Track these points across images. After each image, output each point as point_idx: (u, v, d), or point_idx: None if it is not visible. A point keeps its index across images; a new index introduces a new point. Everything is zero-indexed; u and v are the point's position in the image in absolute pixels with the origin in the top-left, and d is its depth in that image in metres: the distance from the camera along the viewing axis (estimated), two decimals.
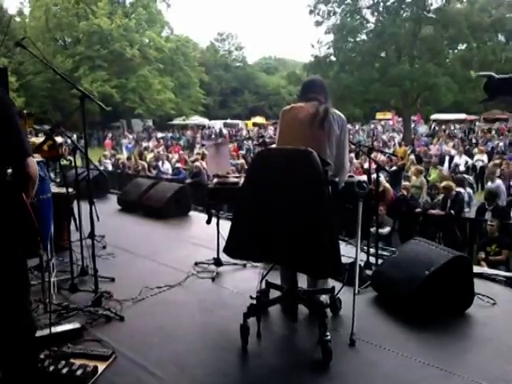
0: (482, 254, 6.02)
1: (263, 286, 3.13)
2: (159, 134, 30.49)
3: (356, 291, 2.81)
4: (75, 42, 31.31)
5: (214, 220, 4.05)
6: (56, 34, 31.17)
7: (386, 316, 3.17)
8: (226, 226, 3.49)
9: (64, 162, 4.24)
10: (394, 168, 9.74)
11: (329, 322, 2.69)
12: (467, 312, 3.16)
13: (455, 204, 7.05)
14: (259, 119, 38.80)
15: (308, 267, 2.48)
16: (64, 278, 3.65)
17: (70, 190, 3.87)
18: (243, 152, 16.47)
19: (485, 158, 13.50)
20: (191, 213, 6.50)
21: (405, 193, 7.75)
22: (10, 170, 1.86)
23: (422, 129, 28.40)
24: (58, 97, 27.82)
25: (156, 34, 32.85)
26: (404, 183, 8.53)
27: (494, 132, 22.46)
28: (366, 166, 10.34)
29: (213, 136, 28.90)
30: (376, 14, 25.23)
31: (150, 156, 14.67)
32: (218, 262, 4.09)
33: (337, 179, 2.74)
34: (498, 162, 10.94)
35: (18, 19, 30.50)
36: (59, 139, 3.59)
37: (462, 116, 31.68)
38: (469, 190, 8.26)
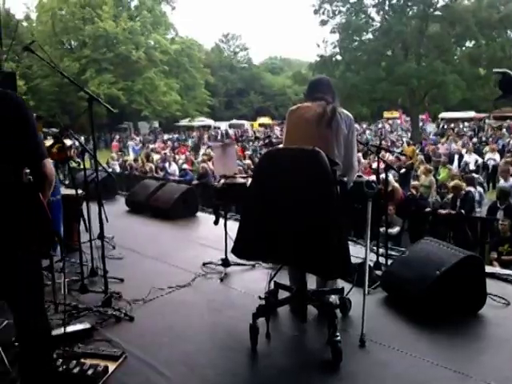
0: (494, 254, 5.94)
1: (272, 286, 3.12)
2: (165, 136, 30.65)
3: (366, 291, 2.79)
4: (81, 45, 31.55)
5: (221, 221, 4.06)
6: (62, 37, 31.40)
7: (396, 316, 3.14)
8: (233, 226, 3.50)
9: (73, 165, 4.28)
10: (403, 170, 9.70)
11: (338, 323, 2.68)
12: (480, 313, 3.12)
13: (465, 203, 6.99)
14: (265, 120, 38.82)
15: (317, 267, 2.47)
16: (74, 279, 3.68)
17: (80, 191, 3.90)
18: (249, 152, 16.46)
19: (497, 156, 13.29)
20: (198, 214, 6.51)
21: (414, 192, 7.70)
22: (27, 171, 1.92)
23: (431, 127, 28.26)
24: (66, 100, 28.02)
25: (161, 37, 33.00)
26: (413, 182, 8.47)
27: (504, 130, 22.20)
28: (374, 165, 10.33)
29: (219, 137, 28.95)
30: (381, 12, 25.13)
31: (156, 157, 14.73)
32: (225, 263, 4.09)
33: (345, 179, 2.72)
34: (510, 159, 10.80)
35: (25, 24, 30.76)
36: (68, 142, 3.62)
37: (471, 114, 31.41)
38: (479, 188, 8.19)
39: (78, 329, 2.78)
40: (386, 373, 2.47)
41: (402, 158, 11.45)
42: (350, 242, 3.23)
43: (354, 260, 2.84)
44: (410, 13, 24.65)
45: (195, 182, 9.88)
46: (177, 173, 11.86)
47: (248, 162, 11.58)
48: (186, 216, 6.29)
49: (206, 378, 2.41)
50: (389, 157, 10.62)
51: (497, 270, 4.51)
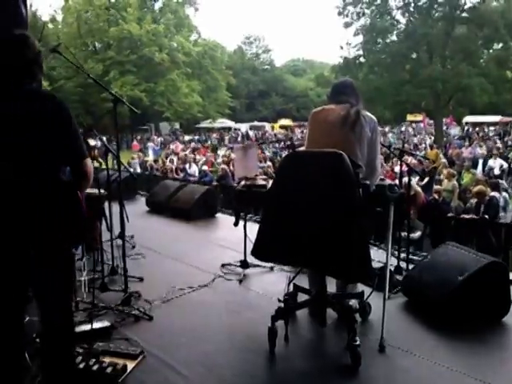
0: None
1: (291, 289, 3.10)
2: (186, 137, 30.89)
3: (386, 296, 2.74)
4: (106, 47, 32.05)
5: (240, 222, 4.06)
6: (87, 39, 31.94)
7: (416, 322, 3.09)
8: (253, 228, 3.50)
9: (96, 164, 4.33)
10: (427, 179, 9.56)
11: (358, 327, 2.64)
12: (504, 320, 3.04)
13: (489, 208, 6.84)
14: (286, 121, 38.75)
15: (338, 271, 2.45)
16: (94, 277, 3.72)
17: (102, 191, 3.95)
18: (269, 154, 16.44)
19: None
20: (218, 215, 6.53)
21: (436, 197, 7.56)
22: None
23: (455, 131, 27.73)
24: (89, 101, 28.52)
25: (184, 39, 33.26)
26: (436, 187, 8.33)
27: None
28: (396, 169, 10.20)
29: (239, 139, 29.03)
30: (407, 14, 24.82)
31: (170, 158, 14.89)
32: (244, 265, 4.09)
33: (368, 182, 2.69)
34: None
35: (50, 26, 31.37)
36: (92, 142, 3.67)
37: (497, 118, 30.70)
38: (504, 194, 7.99)
39: (98, 327, 2.80)
40: (406, 379, 2.43)
41: (425, 161, 11.26)
42: (371, 246, 3.18)
43: (374, 264, 2.81)
44: (436, 15, 24.28)
45: (215, 183, 9.92)
46: (197, 174, 11.94)
47: (268, 164, 11.57)
48: (206, 217, 6.31)
49: (224, 379, 2.41)
50: (412, 160, 10.46)
51: None
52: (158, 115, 32.61)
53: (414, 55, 24.98)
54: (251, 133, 32.52)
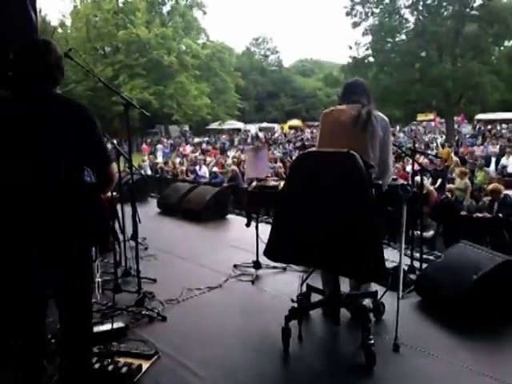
0: None
1: (304, 289, 3.10)
2: (196, 139, 30.99)
3: (400, 295, 2.73)
4: (115, 50, 32.17)
5: (252, 223, 4.06)
6: (96, 43, 31.99)
7: (430, 321, 3.07)
8: (264, 229, 3.50)
9: None
10: (440, 181, 9.51)
11: (371, 327, 2.63)
12: None
13: (503, 207, 6.77)
14: (295, 122, 38.67)
15: (352, 271, 2.44)
16: (108, 279, 3.76)
17: (114, 193, 3.98)
18: (280, 155, 16.42)
19: None
20: (229, 216, 6.55)
21: (449, 195, 7.50)
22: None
23: (466, 129, 27.44)
24: (100, 104, 28.71)
25: (193, 41, 33.35)
26: (448, 186, 8.26)
27: None
28: (407, 168, 10.14)
29: (249, 140, 29.04)
30: (415, 13, 24.62)
31: (177, 160, 14.97)
32: (257, 265, 4.09)
33: (380, 182, 2.68)
34: None
35: (60, 30, 31.62)
36: None
37: (509, 115, 30.29)
38: None
39: (112, 328, 2.80)
40: (421, 378, 2.42)
41: (436, 160, 11.18)
42: (384, 246, 3.17)
43: (388, 264, 2.80)
44: (445, 13, 24.05)
45: (225, 184, 9.94)
46: (207, 175, 11.98)
47: (279, 164, 11.57)
48: (217, 218, 6.33)
49: (239, 379, 2.42)
50: (423, 160, 10.40)
51: None
52: (167, 118, 32.75)
53: (424, 54, 24.79)
54: (261, 134, 32.52)
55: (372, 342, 2.47)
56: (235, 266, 4.19)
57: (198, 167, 12.58)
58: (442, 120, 27.83)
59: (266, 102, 46.90)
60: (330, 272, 2.85)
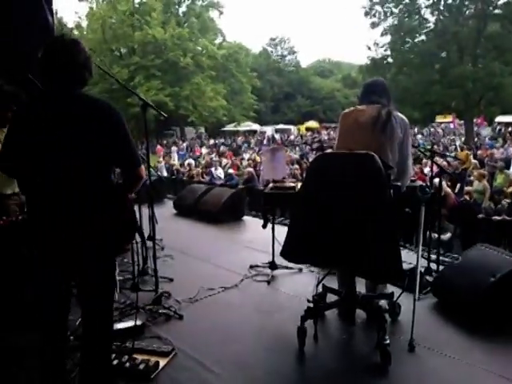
0: None
1: (319, 290, 3.11)
2: (211, 141, 31.02)
3: (416, 297, 2.72)
4: (130, 52, 32.20)
5: (268, 225, 4.08)
6: (112, 45, 31.96)
7: (446, 322, 3.05)
8: (280, 230, 3.51)
9: None
10: (459, 185, 9.40)
11: (387, 327, 2.63)
12: None
13: None
14: (312, 124, 38.50)
15: (369, 271, 2.44)
16: (126, 278, 3.82)
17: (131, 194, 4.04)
18: (297, 157, 16.37)
19: None
20: (244, 217, 6.57)
21: (467, 198, 7.40)
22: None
23: (486, 131, 26.97)
24: (116, 106, 28.99)
25: (209, 42, 33.17)
26: (466, 188, 8.15)
27: None
28: (425, 170, 10.03)
29: (265, 142, 29.02)
30: (436, 12, 24.27)
31: (192, 162, 15.09)
32: (273, 266, 4.11)
33: (399, 183, 2.67)
34: None
35: (76, 32, 31.78)
36: None
37: None
38: None
39: (130, 326, 2.87)
40: (437, 378, 2.41)
41: (454, 162, 11.03)
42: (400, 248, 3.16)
43: (404, 265, 2.78)
44: (467, 12, 23.65)
45: (241, 186, 9.96)
46: (222, 177, 12.02)
47: (295, 166, 11.55)
48: (233, 219, 6.36)
49: (255, 377, 2.44)
50: (442, 162, 10.27)
51: None
52: (183, 119, 32.76)
53: (444, 54, 24.43)
54: (277, 136, 32.45)
55: (387, 342, 2.47)
56: (251, 266, 4.21)
57: (213, 169, 12.65)
58: (461, 122, 27.40)
59: (283, 104, 46.72)
60: (346, 273, 2.85)
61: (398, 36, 24.61)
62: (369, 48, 25.96)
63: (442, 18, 23.94)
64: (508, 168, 11.98)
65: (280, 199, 3.61)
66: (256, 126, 37.97)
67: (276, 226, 4.16)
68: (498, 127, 28.34)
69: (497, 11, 22.56)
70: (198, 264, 4.43)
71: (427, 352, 2.64)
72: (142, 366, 2.43)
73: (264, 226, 3.95)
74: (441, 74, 23.15)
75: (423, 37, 24.93)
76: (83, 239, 1.88)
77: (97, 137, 1.87)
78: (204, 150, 23.13)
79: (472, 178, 9.35)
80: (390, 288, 3.14)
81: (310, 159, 13.74)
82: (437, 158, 9.63)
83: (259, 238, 4.80)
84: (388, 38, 25.27)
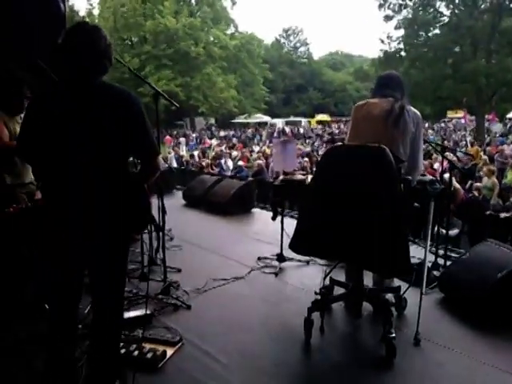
0: None
1: (327, 282, 3.12)
2: (221, 133, 30.92)
3: (423, 291, 2.72)
4: (142, 41, 31.93)
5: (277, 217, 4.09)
6: (124, 33, 31.69)
7: (453, 317, 3.05)
8: (289, 223, 3.52)
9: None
10: (469, 183, 9.30)
11: (393, 321, 2.64)
12: None
13: None
14: (323, 117, 38.28)
15: (377, 265, 2.45)
16: (134, 268, 3.85)
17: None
18: (307, 149, 16.32)
19: None
20: (254, 209, 6.58)
21: (476, 194, 7.34)
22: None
23: (497, 127, 26.65)
24: None
25: (221, 32, 32.86)
26: (476, 184, 8.08)
27: None
28: (435, 165, 9.95)
29: (275, 134, 28.93)
30: (451, 6, 23.89)
31: (200, 154, 15.12)
32: (281, 258, 4.12)
33: (409, 177, 2.66)
34: None
35: (87, 20, 31.78)
36: None
37: None
38: None
39: (138, 315, 2.90)
40: (442, 373, 2.42)
41: (464, 158, 10.92)
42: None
43: (412, 260, 2.78)
44: (483, 6, 23.25)
45: (250, 178, 9.96)
46: (230, 168, 12.03)
47: (306, 159, 11.52)
48: (242, 211, 6.36)
49: (261, 368, 2.47)
50: (452, 157, 10.18)
51: None
52: (193, 110, 32.56)
53: (458, 49, 24.09)
54: (287, 128, 32.32)
55: (393, 335, 2.49)
56: (259, 258, 4.23)
57: (222, 160, 12.65)
58: (472, 117, 27.07)
59: (294, 96, 46.41)
60: (355, 266, 2.86)
61: (411, 29, 24.28)
62: (382, 41, 25.69)
63: (456, 11, 23.57)
64: None
65: (289, 192, 3.62)
66: (267, 118, 37.78)
67: (285, 219, 4.16)
68: (510, 124, 28.00)
69: None
70: (207, 255, 4.45)
71: (432, 346, 2.65)
72: (149, 355, 2.45)
73: (273, 218, 3.97)
74: (454, 69, 22.85)
75: (437, 30, 24.59)
76: (99, 227, 1.89)
77: (117, 125, 1.87)
78: (214, 142, 23.10)
79: (481, 173, 9.27)
80: (396, 282, 3.14)
81: (321, 152, 13.71)
82: (447, 153, 9.55)
83: (268, 230, 4.81)
84: (401, 32, 24.98)
